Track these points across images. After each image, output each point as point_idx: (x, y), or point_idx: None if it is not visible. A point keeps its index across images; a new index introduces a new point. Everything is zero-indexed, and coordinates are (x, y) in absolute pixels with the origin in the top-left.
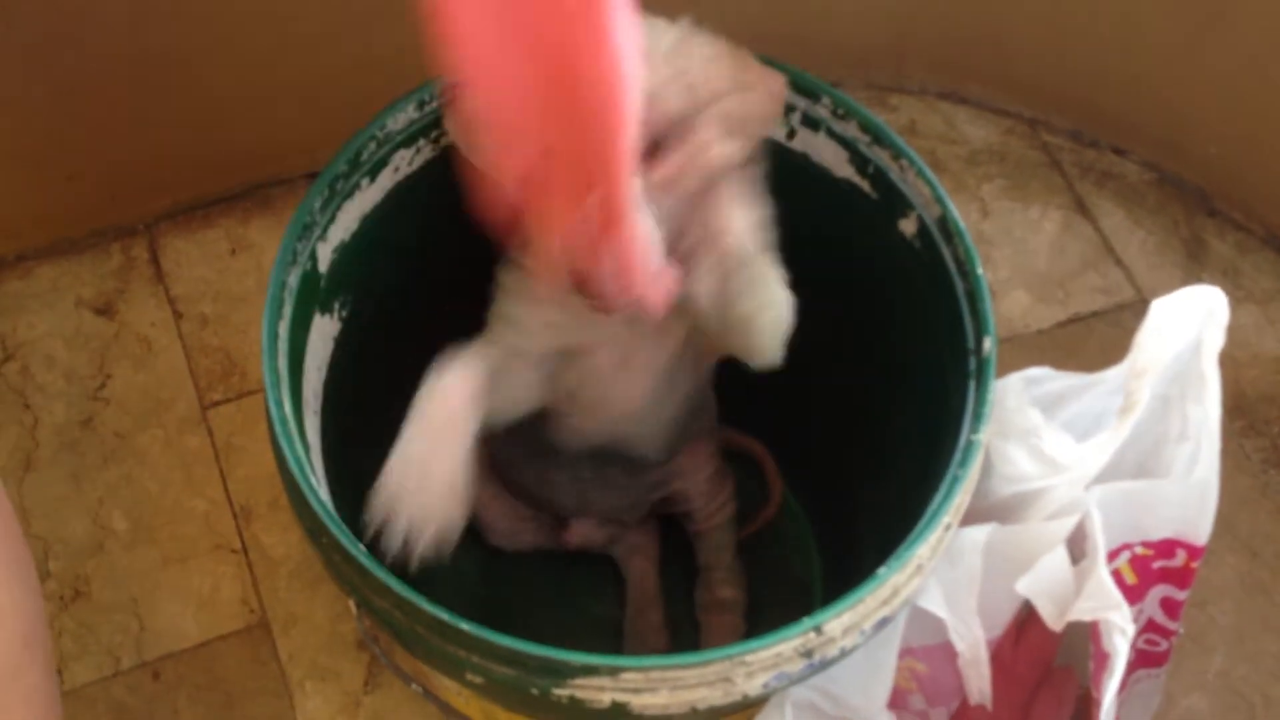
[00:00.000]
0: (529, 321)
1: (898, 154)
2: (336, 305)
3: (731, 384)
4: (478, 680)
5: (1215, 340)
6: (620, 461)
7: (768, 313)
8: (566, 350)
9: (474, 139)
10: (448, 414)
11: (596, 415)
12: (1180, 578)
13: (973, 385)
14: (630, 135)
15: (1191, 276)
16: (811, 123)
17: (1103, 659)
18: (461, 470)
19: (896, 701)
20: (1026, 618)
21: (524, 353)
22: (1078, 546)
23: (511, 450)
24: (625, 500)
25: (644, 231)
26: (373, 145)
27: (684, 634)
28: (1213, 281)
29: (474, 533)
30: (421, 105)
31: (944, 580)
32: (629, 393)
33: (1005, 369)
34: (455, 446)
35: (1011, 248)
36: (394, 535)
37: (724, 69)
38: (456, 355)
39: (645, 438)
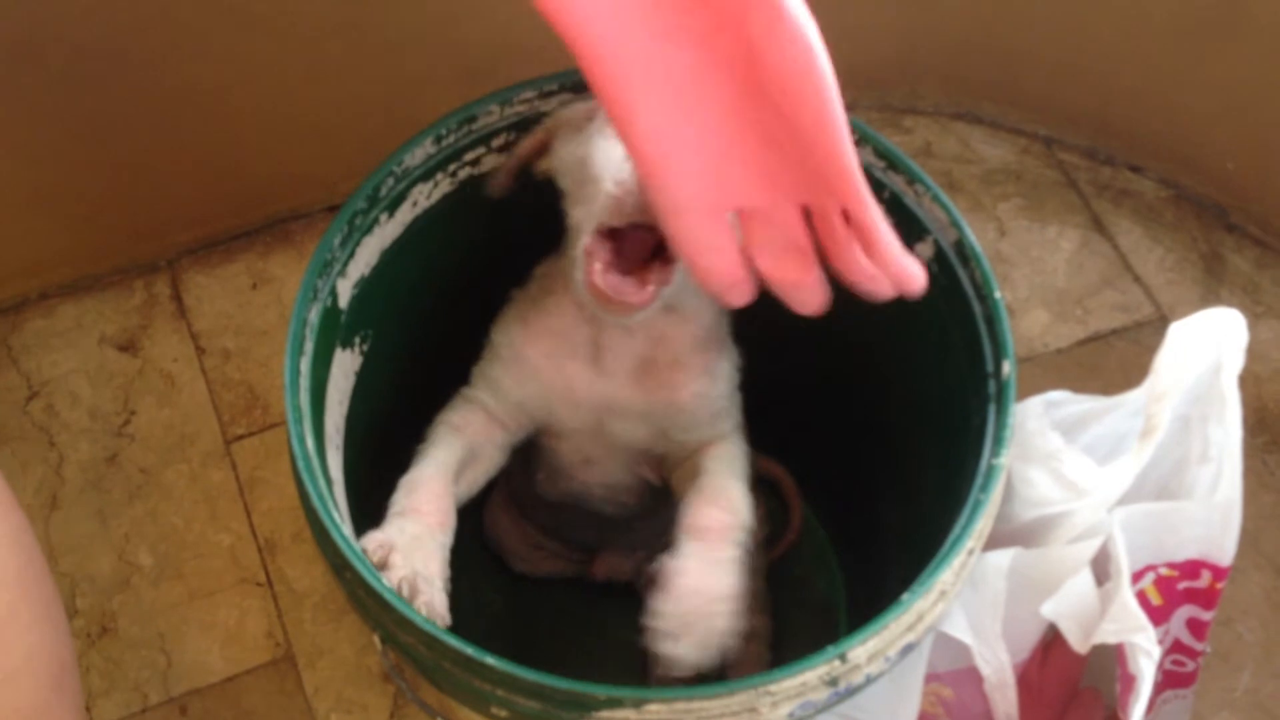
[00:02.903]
0: (507, 390)
1: (912, 179)
2: (357, 340)
3: (751, 408)
4: (503, 714)
5: (1235, 362)
6: (633, 504)
7: None
8: (538, 424)
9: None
10: (423, 526)
11: (561, 485)
12: (1206, 598)
13: (993, 409)
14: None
15: (1210, 292)
16: None
17: (1129, 681)
18: (444, 563)
19: None
20: (1052, 641)
21: (497, 417)
22: (1102, 569)
23: (530, 492)
24: (648, 533)
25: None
26: (391, 180)
27: None
28: (1232, 297)
29: (498, 560)
30: (439, 140)
31: (968, 605)
32: (590, 479)
33: (1026, 388)
34: (436, 548)
35: (1029, 267)
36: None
37: None
38: (428, 446)
39: (616, 504)
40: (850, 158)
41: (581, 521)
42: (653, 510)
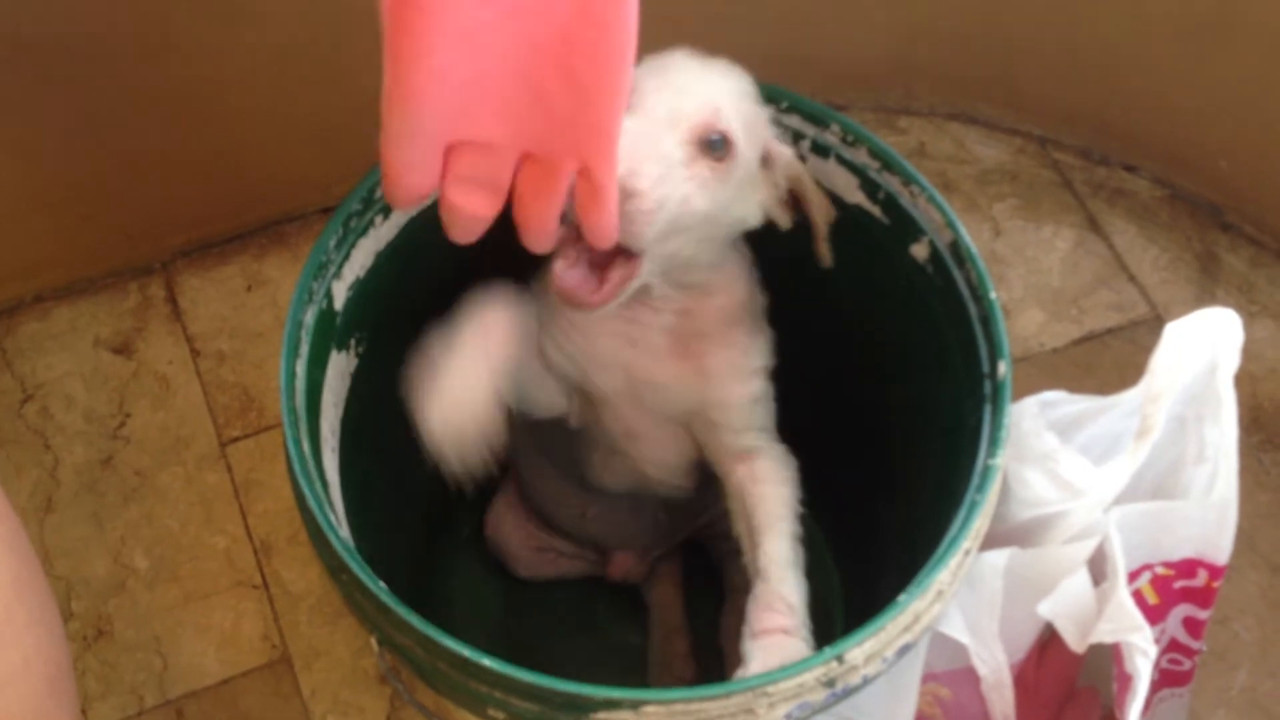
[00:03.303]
0: (546, 348)
1: (908, 180)
2: (353, 342)
3: None
4: (500, 715)
5: (1230, 362)
6: (656, 498)
7: None
8: (575, 387)
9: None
10: (485, 342)
11: (617, 470)
12: (1202, 597)
13: (988, 409)
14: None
15: (1205, 292)
16: (821, 149)
17: (1126, 680)
18: (491, 399)
19: None
20: (1049, 640)
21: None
22: (1098, 569)
23: (550, 488)
24: (666, 530)
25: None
26: None
27: (709, 660)
28: (1227, 296)
29: (496, 563)
30: None
31: (965, 605)
32: (640, 456)
33: (1021, 388)
34: (487, 375)
35: (1025, 267)
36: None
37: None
38: (505, 292)
39: (673, 485)
40: (618, 127)
41: (606, 519)
42: (708, 500)
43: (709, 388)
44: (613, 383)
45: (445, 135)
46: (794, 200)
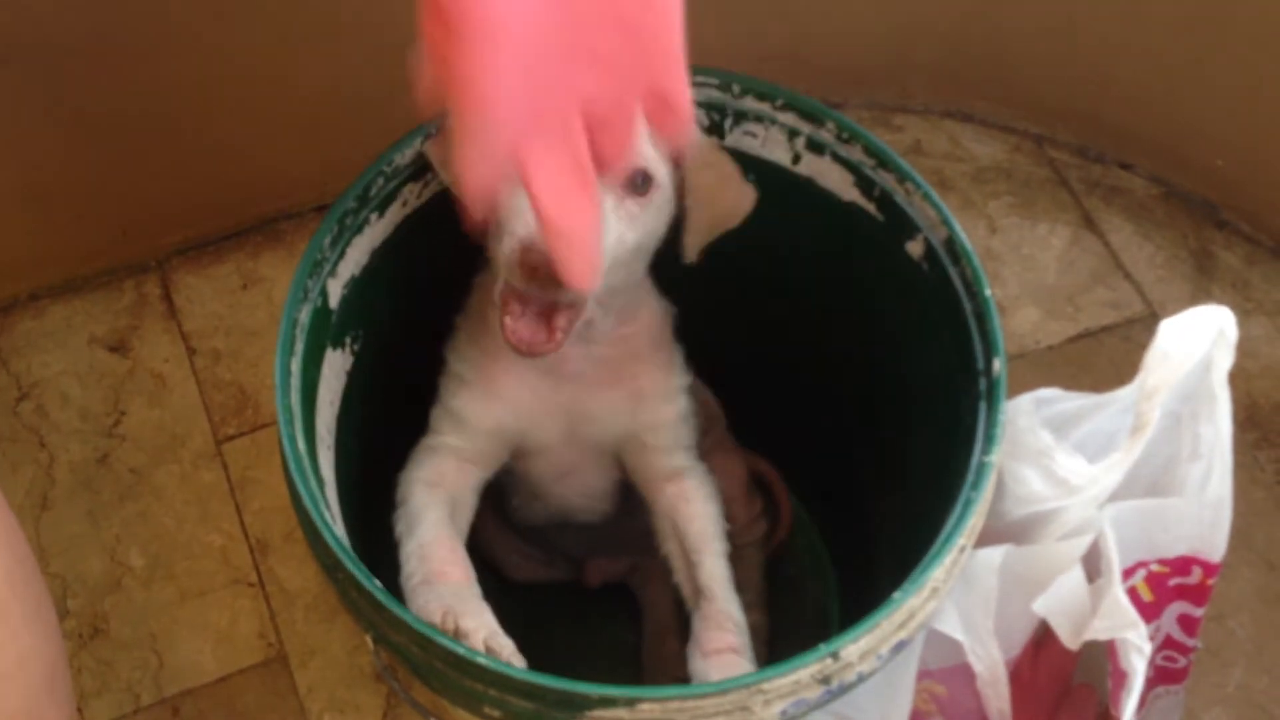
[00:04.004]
0: (476, 420)
1: (903, 177)
2: (348, 339)
3: (743, 407)
4: (495, 714)
5: (1225, 360)
6: (578, 524)
7: None
8: (511, 449)
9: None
10: (453, 585)
11: (539, 506)
12: (1197, 594)
13: (983, 407)
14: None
15: (1200, 289)
16: (816, 147)
17: (1121, 677)
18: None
19: None
20: (1044, 637)
21: (467, 457)
22: (1093, 566)
23: (519, 506)
24: (631, 535)
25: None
26: (381, 180)
27: None
28: (1222, 293)
29: (489, 564)
30: (428, 139)
31: (960, 602)
32: (568, 492)
33: (1017, 385)
34: (476, 600)
35: (1020, 264)
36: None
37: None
38: (411, 508)
39: (597, 511)
40: (683, 47)
41: (564, 535)
42: (629, 512)
43: (641, 410)
44: (552, 429)
45: (516, 131)
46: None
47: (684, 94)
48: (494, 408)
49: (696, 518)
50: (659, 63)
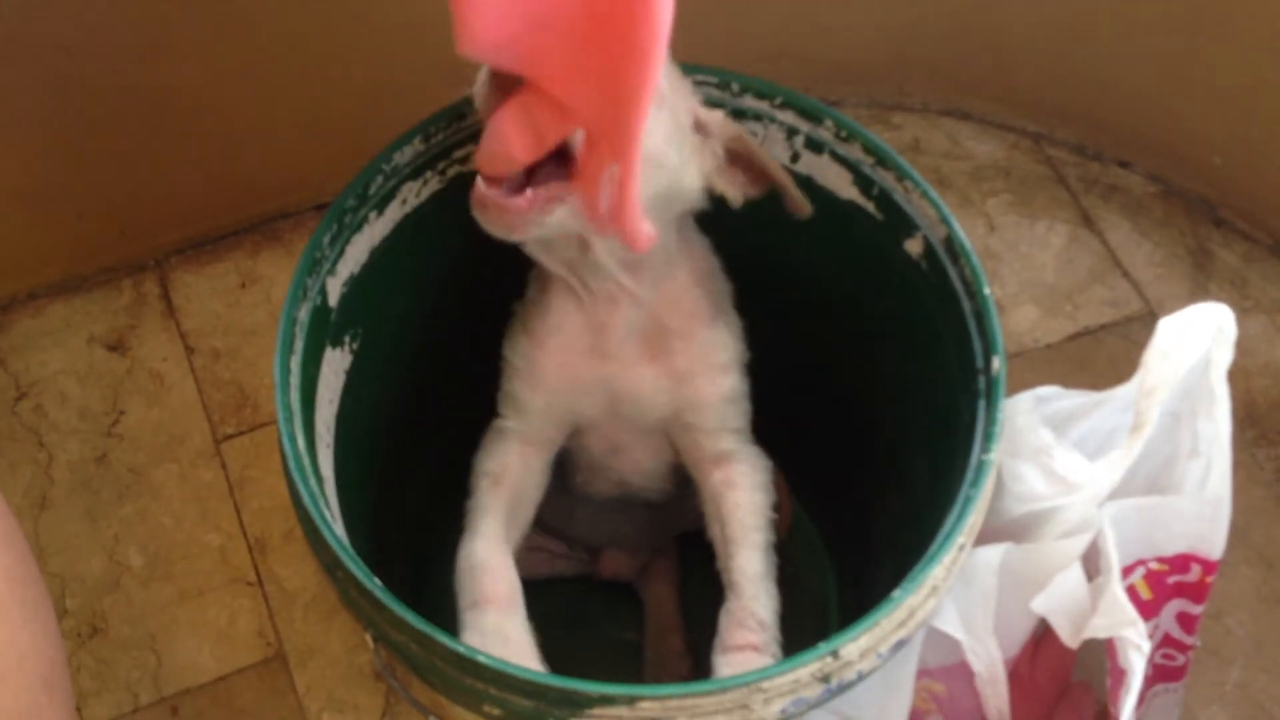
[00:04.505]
0: (527, 401)
1: (902, 175)
2: (347, 338)
3: None
4: (496, 712)
5: (1224, 357)
6: (641, 500)
7: None
8: (567, 427)
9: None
10: (499, 613)
11: (601, 481)
12: (1196, 592)
13: (983, 405)
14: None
15: (1199, 287)
16: (815, 145)
17: (1119, 675)
18: (532, 638)
19: None
20: (1043, 636)
21: (530, 440)
22: (1092, 564)
23: (583, 482)
24: (653, 529)
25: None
26: (380, 178)
27: (705, 657)
28: (1220, 291)
29: None
30: (428, 138)
31: (959, 601)
32: (623, 468)
33: (1015, 384)
34: (521, 630)
35: (1019, 262)
36: None
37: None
38: (474, 508)
39: (656, 489)
40: (641, 128)
41: (594, 520)
42: (690, 495)
43: (681, 389)
44: (595, 405)
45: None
46: (744, 170)
47: (629, 175)
48: (540, 389)
49: (740, 507)
50: (615, 123)
